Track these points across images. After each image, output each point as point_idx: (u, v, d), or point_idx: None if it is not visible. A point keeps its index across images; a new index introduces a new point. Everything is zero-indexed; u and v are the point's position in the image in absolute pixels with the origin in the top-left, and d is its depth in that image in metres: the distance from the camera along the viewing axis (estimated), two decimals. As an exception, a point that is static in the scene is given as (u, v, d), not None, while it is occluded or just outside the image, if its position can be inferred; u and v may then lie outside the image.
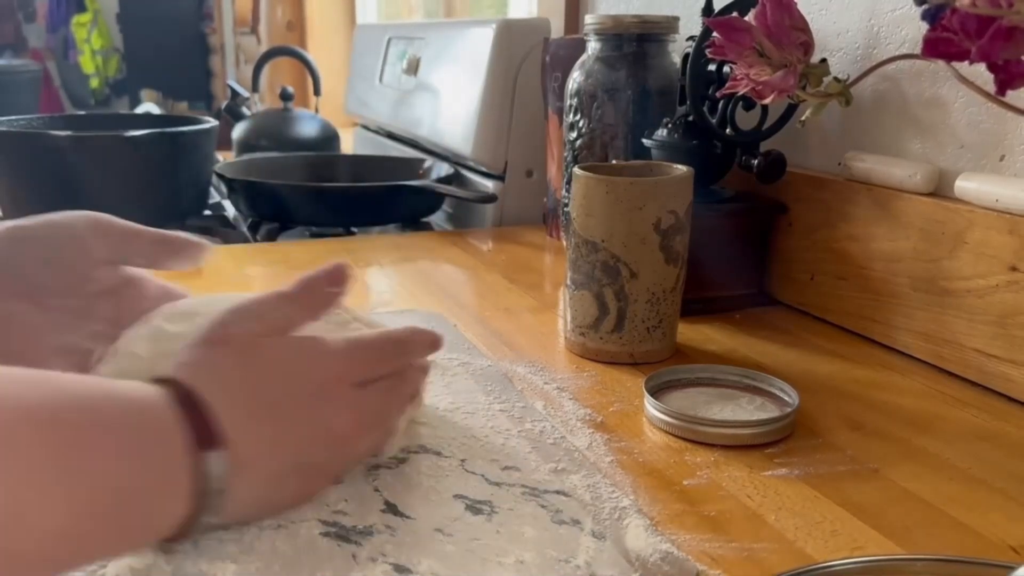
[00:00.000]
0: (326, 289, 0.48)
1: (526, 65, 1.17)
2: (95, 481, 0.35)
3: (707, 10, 0.78)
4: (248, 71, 2.13)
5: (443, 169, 1.29)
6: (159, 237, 0.56)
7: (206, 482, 0.39)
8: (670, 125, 0.81)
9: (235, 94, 1.82)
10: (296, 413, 0.43)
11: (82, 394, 0.37)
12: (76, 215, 0.54)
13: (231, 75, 3.38)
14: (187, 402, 0.40)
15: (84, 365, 0.52)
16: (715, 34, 0.65)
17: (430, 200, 1.23)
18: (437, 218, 1.30)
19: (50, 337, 0.53)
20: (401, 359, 0.49)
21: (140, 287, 0.57)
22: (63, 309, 0.53)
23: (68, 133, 1.25)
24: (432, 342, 0.51)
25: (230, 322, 0.44)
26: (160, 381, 0.40)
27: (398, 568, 0.41)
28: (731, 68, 0.69)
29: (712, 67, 0.77)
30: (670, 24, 0.88)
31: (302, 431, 0.44)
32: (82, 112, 3.72)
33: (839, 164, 0.77)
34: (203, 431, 0.39)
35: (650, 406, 0.58)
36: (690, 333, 0.74)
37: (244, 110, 1.78)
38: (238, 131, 1.69)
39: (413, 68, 1.47)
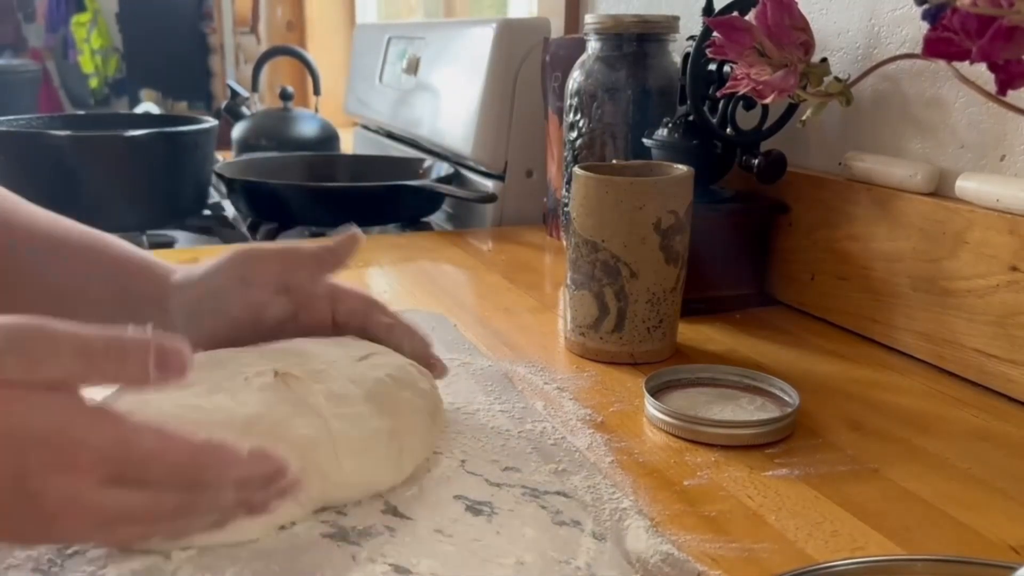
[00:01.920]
0: (147, 370, 0.36)
1: (526, 65, 1.17)
2: None
3: (707, 10, 0.78)
4: (248, 71, 2.12)
5: (443, 169, 1.29)
6: (312, 257, 0.57)
7: None
8: (670, 125, 0.81)
9: (235, 94, 1.82)
10: (5, 492, 0.35)
11: None
12: (227, 266, 0.56)
13: (231, 75, 3.38)
14: None
15: None
16: (715, 34, 0.65)
17: (430, 200, 1.22)
18: (437, 218, 1.30)
19: None
20: (197, 480, 0.38)
21: (313, 305, 0.57)
22: (245, 343, 0.54)
23: (68, 133, 1.25)
24: (272, 474, 0.39)
25: None
26: None
27: (398, 569, 0.41)
28: (731, 68, 0.69)
29: (712, 67, 0.77)
30: (670, 24, 0.88)
31: (6, 511, 0.35)
32: (82, 112, 3.72)
33: (839, 164, 0.77)
34: None
35: (650, 406, 0.58)
36: (690, 333, 0.74)
37: (244, 110, 1.78)
38: (238, 131, 1.69)
39: (413, 68, 1.47)
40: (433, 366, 0.58)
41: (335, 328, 0.58)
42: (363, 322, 0.58)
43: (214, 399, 0.45)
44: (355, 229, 0.58)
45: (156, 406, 0.44)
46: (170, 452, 0.37)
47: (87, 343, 0.36)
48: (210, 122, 1.33)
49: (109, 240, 0.59)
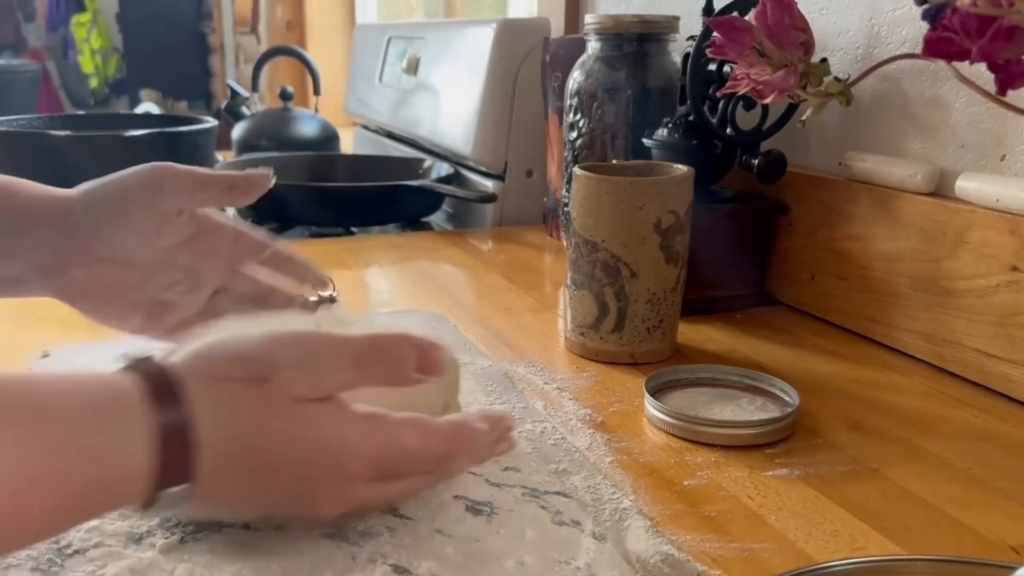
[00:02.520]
0: (410, 369, 0.41)
1: (526, 65, 1.17)
2: (53, 441, 0.34)
3: (707, 10, 0.78)
4: (248, 71, 2.12)
5: (443, 169, 1.29)
6: (224, 180, 0.57)
7: (159, 501, 0.37)
8: (670, 125, 0.81)
9: (235, 94, 1.81)
10: (284, 493, 0.40)
11: (57, 376, 0.37)
12: (141, 171, 0.56)
13: (231, 75, 3.38)
14: (176, 430, 0.36)
15: (161, 316, 0.56)
16: (715, 34, 0.65)
17: (430, 200, 1.22)
18: (437, 218, 1.30)
19: (132, 294, 0.56)
20: (448, 463, 0.43)
21: (215, 233, 0.58)
22: (142, 265, 0.55)
23: (68, 133, 1.25)
24: (503, 438, 0.44)
25: (280, 364, 0.39)
26: (161, 384, 0.37)
27: (398, 569, 0.41)
28: (731, 68, 0.69)
29: (712, 67, 0.77)
30: (670, 24, 0.88)
31: (280, 505, 0.41)
32: (81, 112, 3.72)
33: (839, 164, 0.77)
34: (179, 458, 0.36)
35: (650, 406, 0.58)
36: (690, 333, 0.74)
37: (244, 110, 1.78)
38: (238, 131, 1.69)
39: (413, 68, 1.47)
40: (322, 280, 0.61)
41: (227, 269, 0.59)
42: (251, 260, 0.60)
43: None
44: (269, 170, 0.58)
45: None
46: (428, 446, 0.41)
47: (361, 352, 0.40)
48: (210, 122, 1.34)
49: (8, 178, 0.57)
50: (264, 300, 0.60)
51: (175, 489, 0.37)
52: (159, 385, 0.37)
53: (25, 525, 0.34)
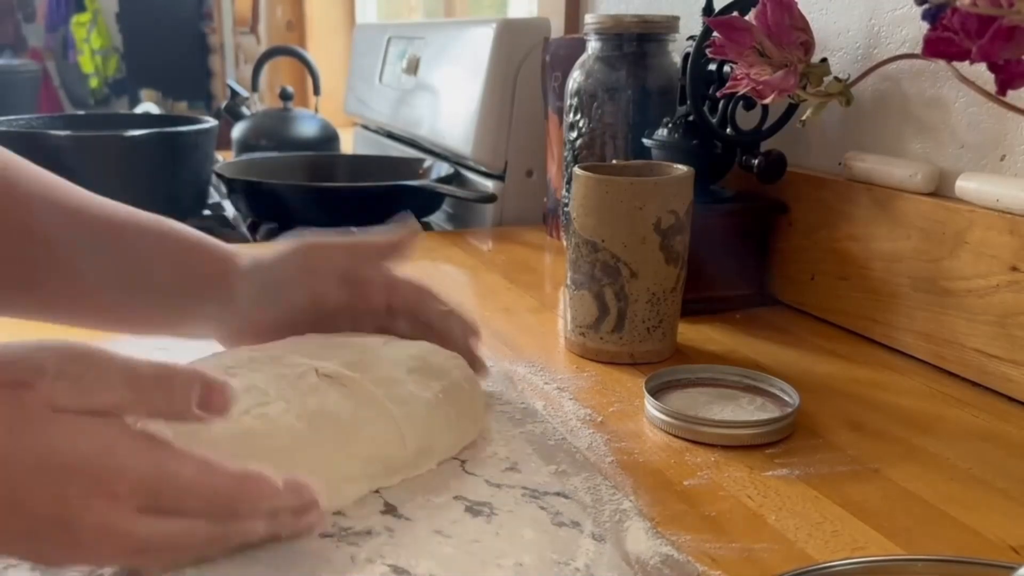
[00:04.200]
0: (191, 402, 0.38)
1: (526, 65, 1.17)
2: None
3: (707, 10, 0.78)
4: (248, 71, 2.12)
5: (443, 169, 1.29)
6: (379, 250, 0.60)
7: None
8: (670, 125, 0.81)
9: (235, 94, 1.81)
10: (40, 515, 0.35)
11: None
12: (298, 255, 0.59)
13: (231, 75, 3.38)
14: None
15: None
16: (715, 34, 0.65)
17: (430, 200, 1.22)
18: (437, 218, 1.30)
19: None
20: (232, 511, 0.39)
21: (365, 292, 0.59)
22: (302, 330, 0.56)
23: (67, 133, 1.25)
24: (308, 508, 0.40)
25: (45, 371, 0.35)
26: None
27: (396, 570, 0.41)
28: (731, 68, 0.69)
29: (712, 67, 0.77)
30: (670, 24, 0.88)
31: (36, 532, 0.35)
32: (81, 112, 3.72)
33: (839, 164, 0.77)
34: None
35: (650, 406, 0.58)
36: (690, 333, 0.74)
37: (244, 110, 1.78)
38: (238, 131, 1.69)
39: (413, 68, 1.47)
40: (474, 362, 0.60)
41: (388, 315, 0.60)
42: (415, 309, 0.60)
43: (273, 406, 0.46)
44: (413, 221, 0.60)
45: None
46: (209, 483, 0.38)
47: (137, 374, 0.37)
48: (210, 122, 1.33)
49: (170, 223, 0.60)
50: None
51: None
52: None
53: None
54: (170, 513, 0.37)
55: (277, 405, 0.46)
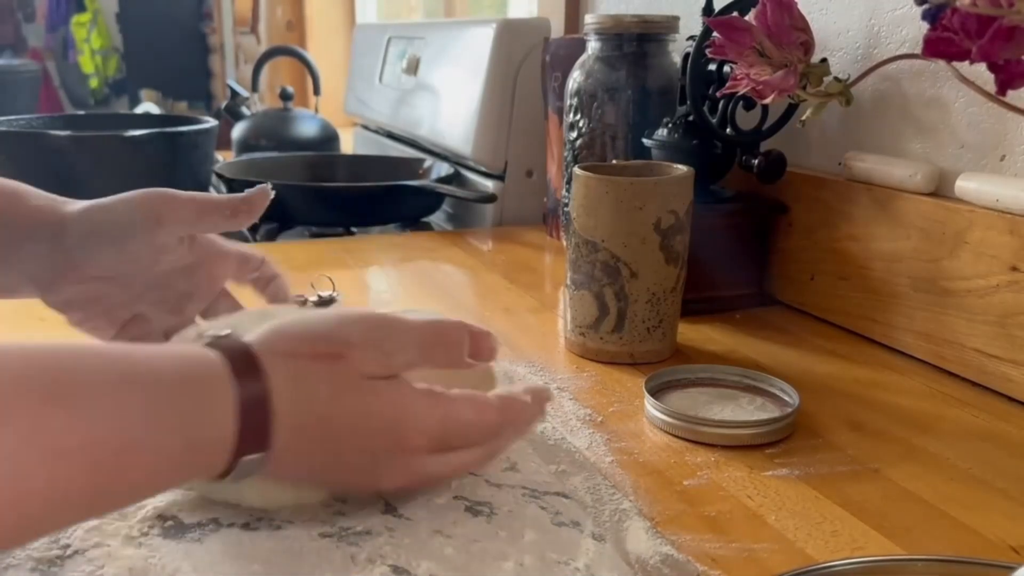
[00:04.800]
0: (464, 354, 0.45)
1: (526, 65, 1.17)
2: (153, 404, 0.35)
3: (707, 10, 0.78)
4: (248, 71, 2.12)
5: (443, 169, 1.29)
6: (226, 206, 0.57)
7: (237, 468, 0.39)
8: (670, 125, 0.81)
9: (235, 94, 1.82)
10: (351, 463, 0.42)
11: (149, 347, 0.38)
12: (141, 199, 0.55)
13: (231, 75, 3.38)
14: (256, 401, 0.38)
15: (132, 327, 0.57)
16: (715, 34, 0.65)
17: (430, 200, 1.22)
18: (437, 218, 1.30)
19: (119, 310, 0.57)
20: (499, 433, 0.45)
21: (217, 261, 0.59)
22: (135, 286, 0.55)
23: (68, 133, 1.25)
24: (541, 410, 0.47)
25: (352, 343, 0.41)
26: (243, 359, 0.39)
27: (397, 570, 0.41)
28: (731, 68, 0.69)
29: (712, 67, 0.77)
30: (670, 24, 0.88)
31: (347, 477, 0.43)
32: (81, 112, 3.72)
33: (839, 164, 0.77)
34: (258, 427, 0.38)
35: (650, 406, 0.58)
36: (690, 333, 0.74)
37: (244, 110, 1.79)
38: (238, 131, 1.69)
39: (413, 68, 1.47)
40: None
41: (224, 295, 0.61)
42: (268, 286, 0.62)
43: None
44: (267, 185, 0.58)
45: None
46: (484, 418, 0.44)
47: (424, 335, 0.44)
48: (210, 122, 1.34)
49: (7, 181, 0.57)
50: None
51: (252, 458, 0.38)
52: (240, 359, 0.39)
53: (123, 485, 0.36)
54: (455, 448, 0.44)
55: None
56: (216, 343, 0.39)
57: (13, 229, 0.54)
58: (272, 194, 0.58)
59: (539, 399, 0.47)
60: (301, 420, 0.40)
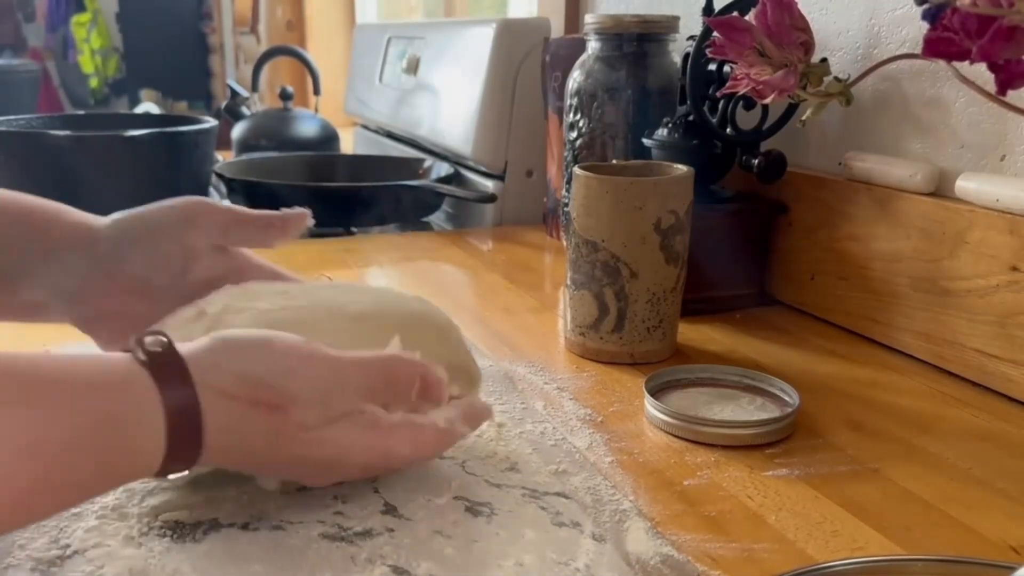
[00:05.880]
0: (412, 396, 0.45)
1: (526, 65, 1.17)
2: (71, 418, 0.36)
3: (707, 10, 0.78)
4: (248, 71, 2.12)
5: (443, 169, 1.29)
6: (261, 219, 0.56)
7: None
8: (670, 125, 0.81)
9: (235, 94, 1.82)
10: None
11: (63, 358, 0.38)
12: (175, 204, 0.55)
13: (231, 75, 3.38)
14: (184, 406, 0.38)
15: None
16: (715, 34, 0.65)
17: (430, 200, 1.22)
18: (437, 218, 1.30)
19: (145, 326, 0.55)
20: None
21: (245, 274, 0.57)
22: (163, 300, 0.53)
23: (67, 133, 1.25)
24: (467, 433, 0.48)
25: (296, 397, 0.41)
26: (167, 369, 0.38)
27: (397, 570, 0.41)
28: (731, 68, 0.69)
29: (712, 67, 0.77)
30: (670, 24, 0.88)
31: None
32: (81, 112, 3.72)
33: (839, 164, 0.77)
34: (188, 438, 0.39)
35: (650, 406, 0.58)
36: (690, 333, 0.74)
37: (244, 110, 1.78)
38: (238, 131, 1.69)
39: (413, 68, 1.47)
40: None
41: None
42: None
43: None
44: (307, 211, 0.58)
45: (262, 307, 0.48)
46: (421, 453, 0.45)
47: (372, 379, 0.43)
48: (210, 122, 1.33)
49: (15, 194, 0.56)
50: None
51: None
52: (165, 368, 0.38)
53: (49, 493, 0.36)
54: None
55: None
56: (150, 358, 0.39)
57: (48, 244, 0.53)
58: (312, 222, 0.58)
59: (477, 420, 0.48)
60: (235, 462, 0.42)
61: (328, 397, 0.41)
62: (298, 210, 0.58)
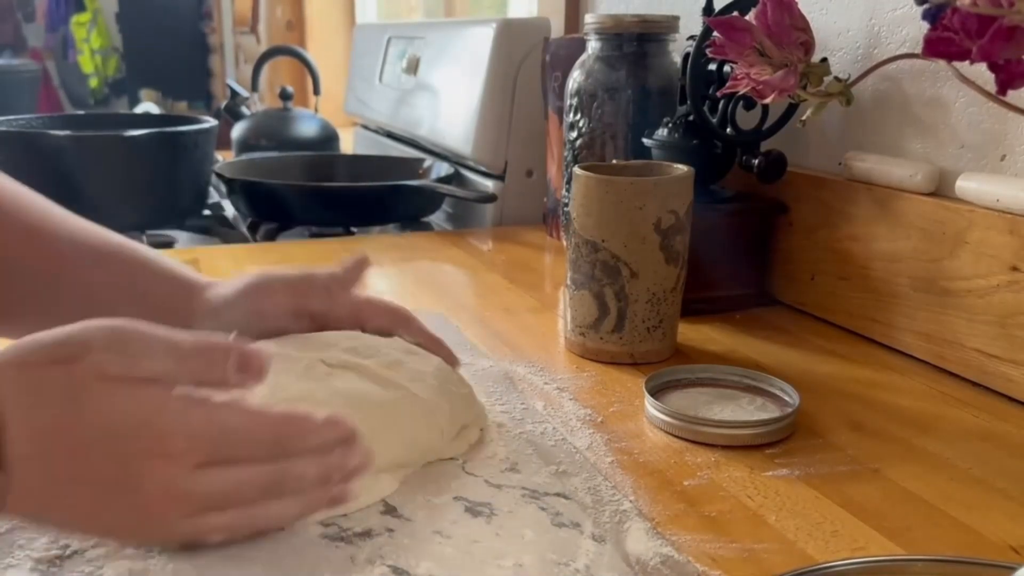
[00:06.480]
0: (229, 369, 0.41)
1: (526, 65, 1.17)
2: None
3: (708, 9, 0.78)
4: (248, 71, 2.12)
5: (443, 169, 1.29)
6: (326, 281, 0.58)
7: None
8: (670, 125, 0.81)
9: (235, 94, 1.81)
10: (105, 473, 0.38)
11: None
12: (244, 298, 0.56)
13: (231, 75, 3.38)
14: None
15: None
16: (716, 33, 0.65)
17: (430, 200, 1.22)
18: (437, 218, 1.30)
19: None
20: (286, 456, 0.41)
21: (336, 327, 0.57)
22: None
23: (67, 133, 1.25)
24: (348, 440, 0.42)
25: (93, 345, 0.38)
26: None
27: (396, 570, 0.41)
28: (731, 67, 0.69)
29: (712, 67, 0.77)
30: (670, 24, 0.88)
31: (104, 493, 0.38)
32: (81, 112, 3.72)
33: (839, 164, 0.77)
34: None
35: (650, 406, 0.58)
36: (690, 333, 0.74)
37: (244, 110, 1.78)
38: (238, 131, 1.69)
39: (413, 68, 1.47)
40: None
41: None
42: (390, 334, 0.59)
43: (298, 385, 0.48)
44: (364, 254, 0.59)
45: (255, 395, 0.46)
46: (255, 425, 0.40)
47: (177, 344, 0.40)
48: (210, 122, 1.33)
49: (144, 253, 0.59)
50: None
51: None
52: None
53: None
54: (226, 463, 0.39)
55: (302, 391, 0.48)
56: None
57: (143, 308, 0.51)
58: (370, 264, 0.59)
59: (335, 426, 0.42)
60: (36, 432, 0.37)
61: (128, 347, 0.39)
62: (356, 259, 0.59)
